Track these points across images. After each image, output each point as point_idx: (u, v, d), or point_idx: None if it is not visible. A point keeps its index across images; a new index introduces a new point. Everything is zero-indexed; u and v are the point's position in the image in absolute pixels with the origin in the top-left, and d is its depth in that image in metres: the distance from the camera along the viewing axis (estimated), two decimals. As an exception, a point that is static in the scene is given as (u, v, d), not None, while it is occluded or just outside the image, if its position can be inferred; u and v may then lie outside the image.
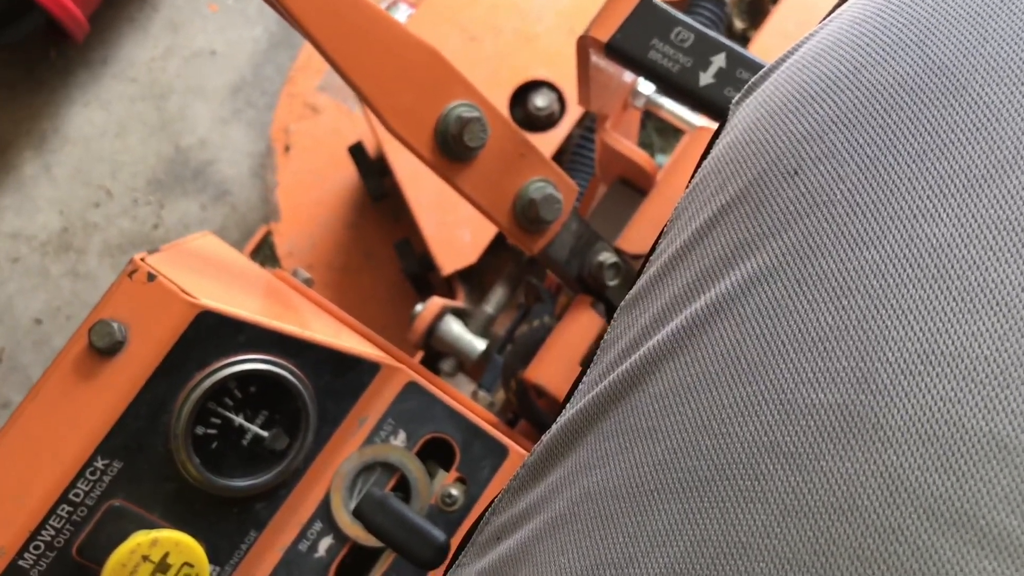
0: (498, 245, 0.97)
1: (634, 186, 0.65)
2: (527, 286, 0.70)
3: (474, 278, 1.00)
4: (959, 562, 0.25)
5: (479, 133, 0.52)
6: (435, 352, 0.84)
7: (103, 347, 0.47)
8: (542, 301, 0.67)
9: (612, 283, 0.58)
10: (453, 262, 0.96)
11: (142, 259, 0.49)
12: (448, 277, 0.97)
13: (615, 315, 0.37)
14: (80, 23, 1.16)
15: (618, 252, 0.59)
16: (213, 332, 0.49)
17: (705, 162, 0.36)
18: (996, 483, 0.25)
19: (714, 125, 0.61)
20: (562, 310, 0.67)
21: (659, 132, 1.07)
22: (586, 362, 0.59)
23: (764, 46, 0.84)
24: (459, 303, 0.86)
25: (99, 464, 0.47)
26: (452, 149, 0.52)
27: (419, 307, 0.83)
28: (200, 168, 1.27)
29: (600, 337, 0.59)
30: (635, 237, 0.60)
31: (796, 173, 0.31)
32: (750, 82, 0.36)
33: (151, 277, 0.48)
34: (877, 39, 0.32)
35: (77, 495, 0.47)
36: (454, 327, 0.82)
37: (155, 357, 0.48)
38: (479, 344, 0.80)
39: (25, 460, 0.47)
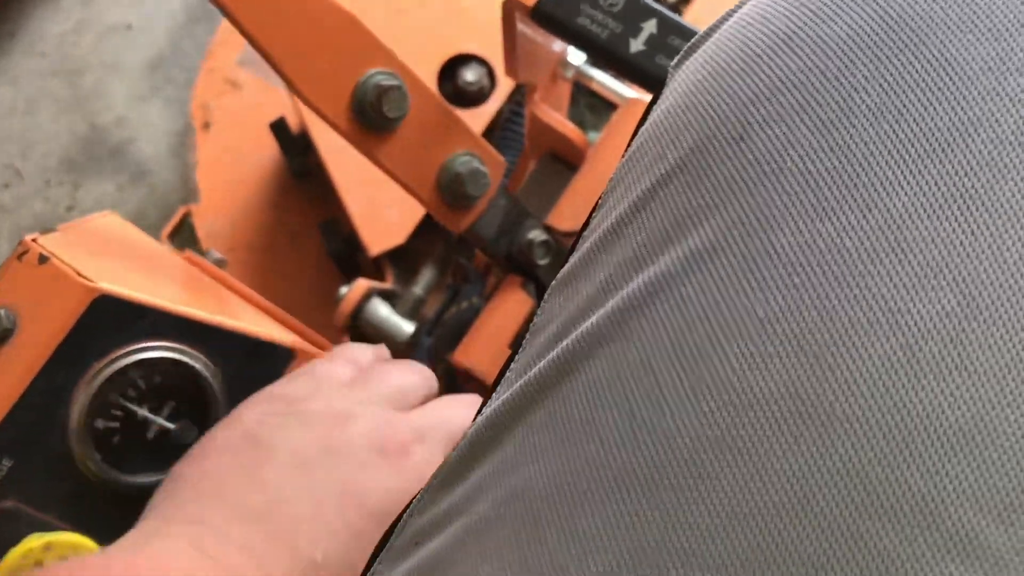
0: (428, 225, 0.94)
1: (564, 160, 0.62)
2: (455, 266, 0.67)
3: (403, 259, 0.97)
4: (923, 568, 0.23)
5: (399, 102, 0.49)
6: (362, 335, 0.81)
7: (-11, 336, 0.43)
8: (470, 282, 0.64)
9: (542, 262, 0.56)
10: (380, 242, 0.93)
11: (34, 240, 0.46)
12: (376, 258, 0.94)
13: (545, 296, 0.34)
14: (-17, -6, 1.10)
15: (548, 229, 0.56)
16: (113, 318, 0.45)
17: (642, 129, 0.33)
18: (963, 479, 0.23)
19: (647, 97, 0.59)
20: (492, 290, 0.64)
21: (591, 109, 1.05)
22: (515, 345, 0.57)
23: (700, 12, 0.82)
24: (387, 285, 0.83)
25: (-13, 463, 0.44)
26: (370, 119, 0.49)
27: (344, 289, 0.80)
28: (117, 147, 1.21)
29: (530, 319, 0.57)
30: (566, 213, 0.58)
31: (742, 139, 0.28)
32: (689, 43, 0.33)
33: (43, 259, 0.44)
34: None
35: (-37, 497, 0.44)
36: (381, 309, 0.79)
37: (48, 345, 0.44)
38: (407, 327, 0.78)
39: (-96, 460, 0.43)
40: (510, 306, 0.56)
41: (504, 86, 0.95)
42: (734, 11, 0.33)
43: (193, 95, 1.08)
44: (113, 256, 0.50)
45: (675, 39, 0.46)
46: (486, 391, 0.56)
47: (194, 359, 0.47)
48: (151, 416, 0.47)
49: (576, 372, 0.29)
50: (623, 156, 0.34)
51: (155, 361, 0.46)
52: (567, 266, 0.34)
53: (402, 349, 0.78)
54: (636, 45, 0.46)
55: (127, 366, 0.45)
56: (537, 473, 0.29)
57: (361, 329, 0.79)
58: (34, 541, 0.42)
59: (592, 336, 0.29)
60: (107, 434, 0.46)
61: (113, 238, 0.52)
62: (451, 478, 0.33)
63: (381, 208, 0.93)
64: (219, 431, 0.45)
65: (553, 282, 0.34)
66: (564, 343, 0.30)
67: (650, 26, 0.46)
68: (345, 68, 0.48)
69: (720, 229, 0.28)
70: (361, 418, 0.45)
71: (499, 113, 0.96)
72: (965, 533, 0.23)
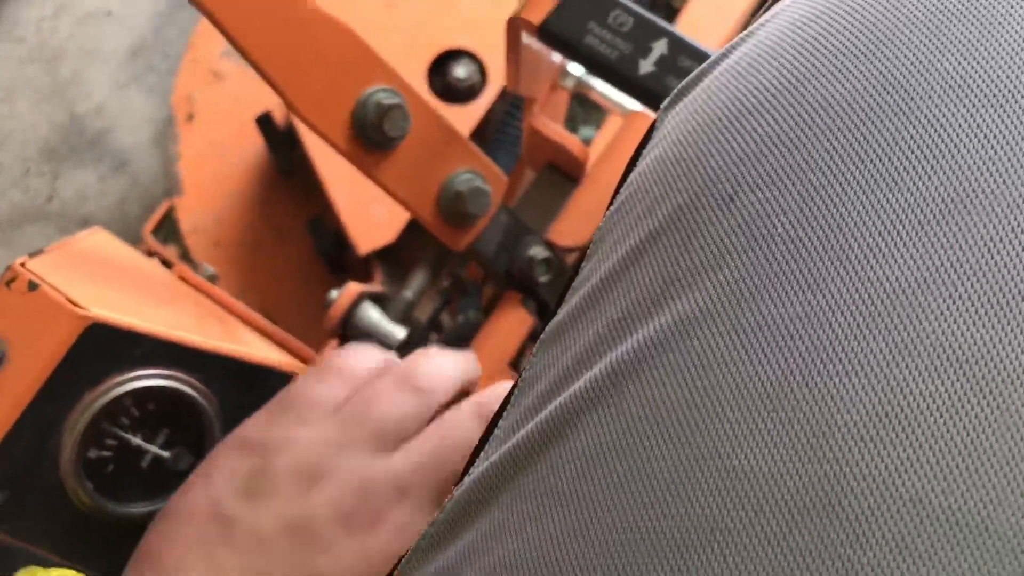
0: (418, 224, 0.93)
1: (563, 172, 0.61)
2: (452, 279, 0.66)
3: (393, 258, 0.95)
4: None
5: (400, 121, 0.48)
6: (352, 340, 0.79)
7: (-22, 366, 0.42)
8: (468, 294, 0.63)
9: (543, 279, 0.55)
10: (369, 241, 0.91)
11: (22, 264, 0.44)
12: (365, 257, 0.93)
13: (535, 349, 0.33)
14: (-41, -21, 1.07)
15: (549, 246, 0.55)
16: (105, 346, 0.44)
17: (631, 177, 0.32)
18: (957, 568, 0.22)
19: (649, 111, 0.58)
20: (489, 302, 0.63)
21: (581, 104, 1.04)
22: (515, 365, 0.56)
23: (693, 19, 0.81)
24: (376, 287, 0.82)
25: (-23, 497, 0.42)
26: (371, 138, 0.48)
27: (334, 293, 0.78)
28: (97, 136, 1.19)
29: (529, 337, 0.56)
30: (567, 229, 0.56)
31: (732, 199, 0.27)
32: (679, 86, 0.32)
33: (32, 286, 0.43)
34: (821, 47, 0.28)
35: (-48, 532, 0.42)
36: (372, 314, 0.77)
37: (39, 375, 0.43)
38: (399, 332, 0.76)
39: None
40: (510, 325, 0.55)
41: (495, 83, 0.94)
42: (724, 56, 0.31)
43: (176, 86, 1.06)
44: (104, 278, 0.48)
45: (686, 60, 0.45)
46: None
47: (188, 386, 0.46)
48: (145, 444, 0.45)
49: (564, 438, 0.28)
50: (612, 204, 0.33)
51: (149, 389, 0.45)
52: (557, 318, 0.33)
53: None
54: (646, 66, 0.45)
55: (120, 395, 0.44)
56: (525, 544, 0.28)
57: (351, 334, 0.78)
58: (26, 578, 0.41)
59: (580, 401, 0.28)
60: (100, 464, 0.45)
61: (103, 258, 0.50)
62: (439, 542, 0.31)
63: (370, 206, 0.92)
64: (189, 493, 0.43)
65: (543, 335, 0.33)
66: (551, 406, 0.29)
67: (660, 46, 0.45)
68: (344, 86, 0.47)
69: (710, 296, 0.27)
70: (331, 480, 0.42)
71: (491, 110, 0.94)
72: None
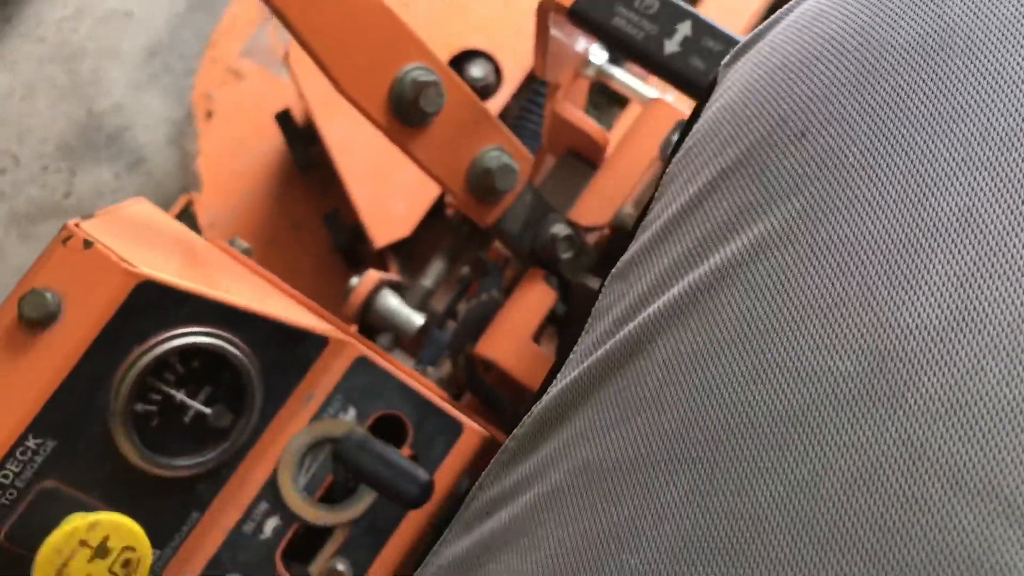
0: (432, 217, 0.95)
1: (584, 158, 0.63)
2: (473, 259, 0.68)
3: (407, 251, 0.98)
4: (984, 533, 0.24)
5: (435, 98, 0.50)
6: (371, 327, 0.81)
7: (35, 318, 0.44)
8: (488, 274, 0.66)
9: (565, 256, 0.57)
10: (386, 234, 0.93)
11: (76, 224, 0.46)
12: (380, 250, 0.95)
13: (606, 282, 0.35)
14: (-15, -23, 1.09)
15: (571, 225, 0.58)
16: (154, 303, 0.46)
17: (697, 125, 0.34)
18: (1019, 451, 0.25)
19: (667, 95, 0.60)
20: (510, 283, 0.65)
21: (595, 105, 1.06)
22: (538, 337, 0.58)
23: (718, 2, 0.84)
24: (395, 276, 0.84)
25: (31, 443, 0.44)
26: (407, 114, 0.50)
27: (354, 280, 0.80)
28: (114, 134, 1.21)
29: (553, 311, 0.58)
30: (587, 210, 0.59)
31: (803, 136, 0.30)
32: (740, 44, 0.35)
33: (87, 244, 0.45)
34: None
35: (6, 476, 0.44)
36: (391, 301, 0.79)
37: (92, 329, 0.45)
38: (417, 319, 0.78)
39: (-52, 440, 0.44)
40: (534, 298, 0.57)
41: (510, 82, 0.96)
42: (783, 16, 0.34)
43: (195, 84, 1.08)
44: (150, 243, 0.50)
45: (709, 40, 0.47)
46: (507, 383, 0.58)
47: (231, 345, 0.48)
48: (188, 400, 0.47)
49: (645, 352, 0.31)
50: (679, 151, 0.35)
51: (194, 347, 0.47)
52: (627, 254, 0.35)
53: (411, 340, 0.79)
54: (671, 46, 0.48)
55: (167, 351, 0.46)
56: (610, 445, 0.30)
57: (371, 320, 0.80)
58: (79, 520, 0.43)
59: (660, 318, 0.31)
60: (146, 417, 0.47)
61: (148, 225, 0.52)
62: (519, 454, 0.34)
63: (386, 200, 0.94)
64: None
65: (613, 270, 0.36)
66: (630, 325, 0.32)
67: (684, 28, 0.48)
68: (384, 63, 0.49)
69: (785, 219, 0.29)
70: None
71: (506, 108, 0.97)
72: (1021, 501, 0.24)
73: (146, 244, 0.50)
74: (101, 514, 0.44)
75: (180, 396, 0.47)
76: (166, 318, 0.46)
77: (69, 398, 0.45)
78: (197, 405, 0.48)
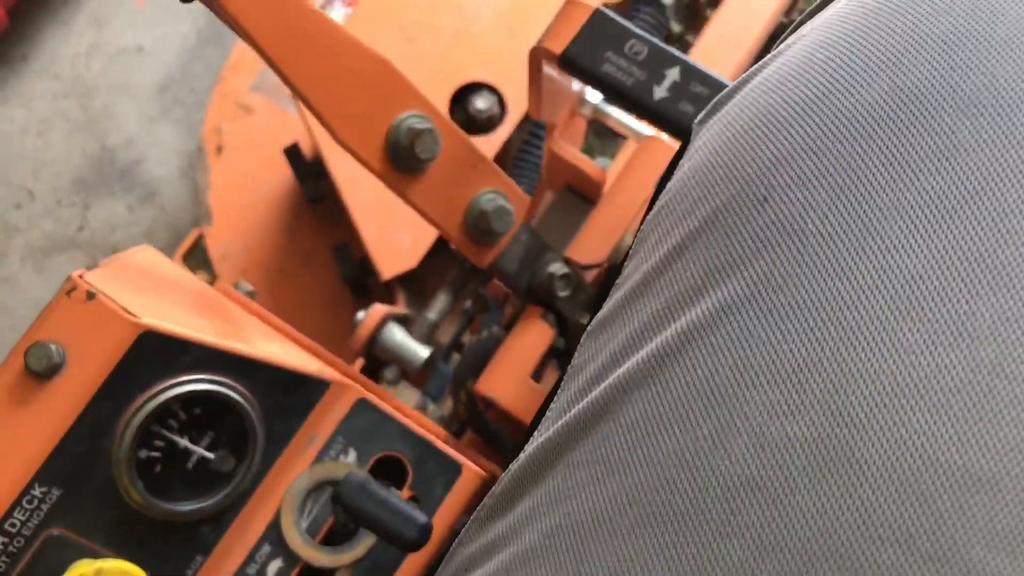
0: (438, 249, 0.96)
1: (581, 194, 0.64)
2: (475, 296, 0.69)
3: (414, 283, 0.99)
4: None
5: (431, 145, 0.51)
6: (377, 360, 0.82)
7: (40, 370, 0.45)
8: (489, 311, 0.66)
9: (563, 294, 0.58)
10: (393, 267, 0.95)
11: (80, 276, 0.47)
12: (387, 282, 0.96)
13: (582, 340, 0.36)
14: (-1, 18, 1.11)
15: (568, 262, 0.58)
16: (156, 352, 0.47)
17: (670, 183, 0.35)
18: (973, 519, 0.25)
19: (662, 135, 0.61)
20: (510, 320, 0.66)
21: (598, 135, 1.07)
22: (537, 375, 0.59)
23: (706, 50, 0.85)
24: (401, 310, 0.85)
25: (36, 492, 0.45)
26: (403, 161, 0.51)
27: (360, 315, 0.81)
28: (127, 168, 1.23)
29: (551, 348, 0.59)
30: (585, 247, 0.60)
31: (766, 200, 0.31)
32: (713, 101, 0.35)
33: (90, 296, 0.46)
34: (845, 65, 0.31)
35: (13, 525, 0.45)
36: (397, 334, 0.80)
37: (95, 379, 0.46)
38: (422, 352, 0.79)
39: (-43, 489, 0.45)
40: (532, 337, 0.57)
41: (514, 114, 0.97)
42: (753, 75, 0.35)
43: (206, 118, 1.10)
44: (153, 291, 0.52)
45: (697, 86, 0.48)
46: (506, 418, 0.58)
47: (233, 391, 0.49)
48: (191, 446, 0.48)
49: (614, 414, 0.32)
50: (653, 208, 0.36)
51: (196, 394, 0.48)
52: (602, 311, 0.36)
53: (417, 373, 0.80)
54: (660, 92, 0.48)
55: (169, 399, 0.47)
56: (580, 507, 0.31)
57: (377, 353, 0.81)
58: (85, 567, 0.44)
59: (629, 380, 0.32)
60: (150, 463, 0.48)
61: (151, 272, 0.54)
62: (496, 511, 0.35)
63: (393, 233, 0.95)
64: None
65: (589, 327, 0.36)
66: (601, 386, 0.33)
67: (673, 73, 0.48)
68: (379, 111, 0.50)
69: (747, 283, 0.30)
70: None
71: (509, 140, 0.98)
72: (981, 569, 0.25)
73: (150, 292, 0.51)
74: (107, 560, 0.45)
75: (183, 442, 0.48)
76: (168, 366, 0.47)
77: (74, 447, 0.46)
78: (200, 450, 0.49)
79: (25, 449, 0.45)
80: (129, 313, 0.46)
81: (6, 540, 0.45)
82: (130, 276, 0.51)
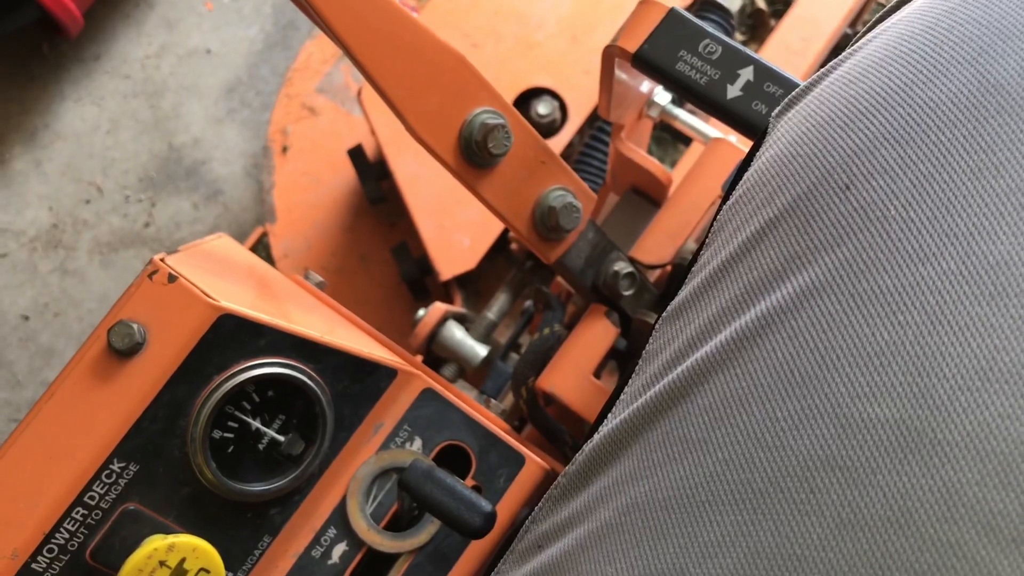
0: (496, 251, 0.97)
1: (646, 196, 0.65)
2: (537, 293, 0.70)
3: (471, 284, 1.00)
4: None
5: (503, 140, 0.52)
6: (436, 357, 0.83)
7: (122, 348, 0.46)
8: (552, 308, 0.67)
9: (627, 292, 0.58)
10: (452, 267, 0.96)
11: (162, 259, 0.49)
12: (445, 282, 0.97)
13: (656, 326, 0.37)
14: (75, 18, 1.15)
15: (633, 262, 0.59)
16: (233, 335, 0.48)
17: (747, 175, 0.36)
18: None
19: (730, 136, 0.61)
20: (572, 318, 0.67)
21: (658, 143, 1.07)
22: (599, 373, 0.59)
23: (770, 59, 0.85)
24: (460, 309, 0.86)
25: (115, 467, 0.47)
26: (475, 156, 0.52)
27: (421, 312, 0.82)
28: (193, 167, 1.26)
29: (613, 346, 0.59)
30: (650, 247, 0.60)
31: (848, 188, 0.31)
32: (789, 96, 0.36)
33: (172, 278, 0.47)
34: (928, 57, 0.32)
35: (92, 498, 0.46)
36: (456, 333, 0.81)
37: (174, 359, 0.47)
38: (481, 350, 0.80)
39: (40, 462, 0.46)
40: (595, 334, 0.58)
41: (575, 119, 0.98)
42: (830, 71, 0.35)
43: (272, 119, 1.12)
44: (230, 276, 0.53)
45: (771, 85, 0.49)
46: (568, 416, 0.59)
47: (305, 376, 0.50)
48: (263, 428, 0.49)
49: (692, 395, 0.32)
50: (729, 199, 0.37)
51: (269, 377, 0.49)
52: (677, 299, 0.37)
53: (475, 371, 0.80)
54: (733, 91, 0.49)
55: (244, 381, 0.48)
56: (657, 485, 0.32)
57: (436, 351, 0.82)
58: (158, 542, 0.45)
59: (707, 363, 0.32)
60: (223, 444, 0.49)
61: (228, 259, 0.55)
62: (570, 490, 0.35)
63: (452, 234, 0.96)
64: None
65: (664, 313, 0.37)
66: (679, 369, 0.33)
67: (747, 73, 0.49)
68: (454, 107, 0.51)
69: (829, 269, 0.30)
70: None
71: (570, 145, 0.98)
72: None
73: (226, 278, 0.52)
74: (179, 536, 0.46)
75: (256, 424, 0.49)
76: (244, 349, 0.49)
77: (152, 424, 0.47)
78: (272, 433, 0.50)
79: (105, 424, 0.46)
80: (208, 296, 0.48)
81: (85, 512, 0.46)
82: (208, 261, 0.53)
